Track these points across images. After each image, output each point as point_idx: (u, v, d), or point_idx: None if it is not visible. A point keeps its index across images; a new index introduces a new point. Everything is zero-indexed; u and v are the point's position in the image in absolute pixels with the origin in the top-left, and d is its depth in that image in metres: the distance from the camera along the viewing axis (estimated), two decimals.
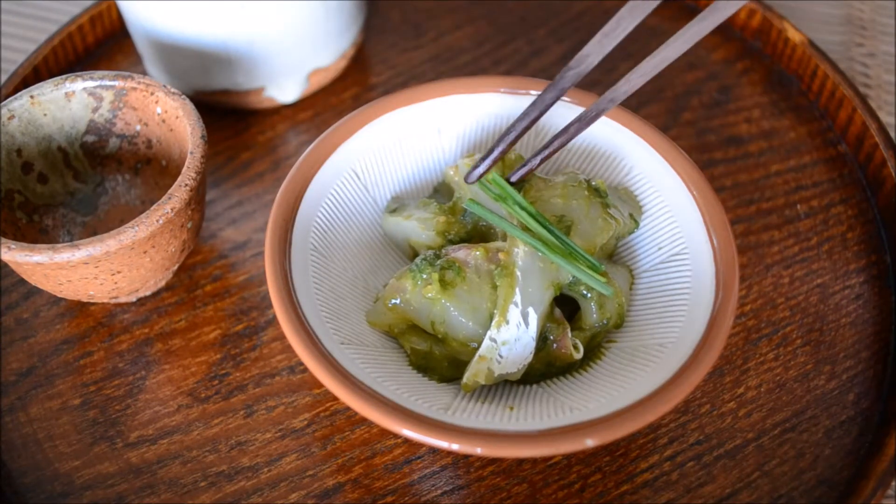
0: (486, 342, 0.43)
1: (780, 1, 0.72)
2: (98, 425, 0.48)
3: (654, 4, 0.39)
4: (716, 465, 0.46)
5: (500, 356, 0.43)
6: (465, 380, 0.43)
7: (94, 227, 0.54)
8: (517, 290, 0.43)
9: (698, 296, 0.44)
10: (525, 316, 0.43)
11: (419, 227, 0.48)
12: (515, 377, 0.44)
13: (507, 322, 0.42)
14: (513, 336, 0.43)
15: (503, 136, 0.46)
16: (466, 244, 0.45)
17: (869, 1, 0.74)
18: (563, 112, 0.51)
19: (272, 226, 0.45)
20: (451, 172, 0.49)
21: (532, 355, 0.43)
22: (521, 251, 0.43)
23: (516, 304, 0.43)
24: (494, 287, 0.43)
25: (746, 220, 0.56)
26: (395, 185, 0.52)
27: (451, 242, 0.47)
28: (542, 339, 0.44)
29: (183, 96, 0.50)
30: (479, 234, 0.48)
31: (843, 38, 0.71)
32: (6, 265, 0.54)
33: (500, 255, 0.44)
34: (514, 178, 0.47)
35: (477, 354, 0.43)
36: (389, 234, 0.50)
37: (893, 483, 0.47)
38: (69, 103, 0.51)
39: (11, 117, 0.50)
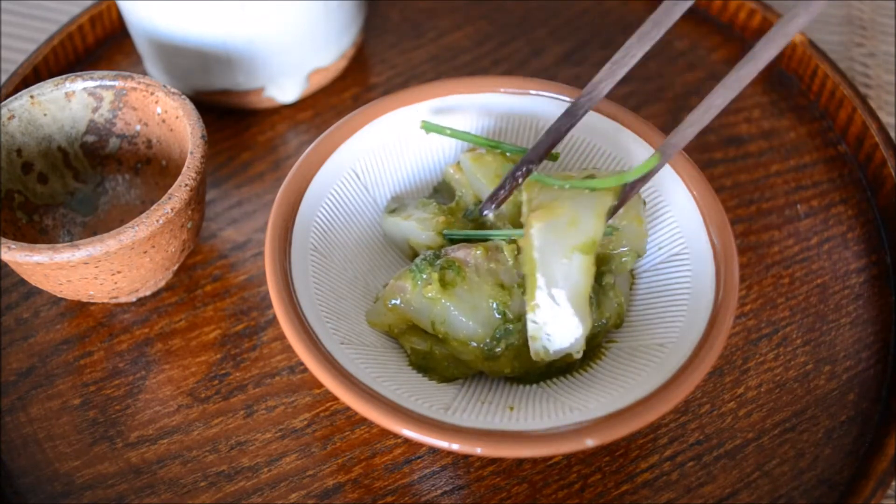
0: (529, 324, 0.42)
1: (780, 1, 0.72)
2: (98, 425, 0.48)
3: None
4: (716, 465, 0.46)
5: (548, 334, 0.42)
6: (532, 355, 0.43)
7: (94, 227, 0.53)
8: (538, 275, 0.41)
9: (698, 296, 0.44)
10: (552, 297, 0.41)
11: (418, 228, 0.48)
12: (577, 354, 0.43)
13: (539, 305, 0.42)
14: (550, 316, 0.42)
15: (509, 175, 0.45)
16: (466, 243, 0.45)
17: (869, 1, 0.74)
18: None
19: (272, 226, 0.45)
20: (452, 171, 0.49)
21: (585, 331, 0.42)
22: (535, 228, 0.41)
23: (541, 288, 0.41)
24: (495, 286, 0.43)
25: (746, 220, 0.56)
26: (395, 185, 0.52)
27: (451, 242, 0.47)
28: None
29: (183, 96, 0.50)
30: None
31: (843, 38, 0.71)
32: (6, 265, 0.54)
33: (519, 243, 0.43)
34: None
35: (529, 334, 0.42)
36: (389, 235, 0.50)
37: (893, 483, 0.47)
38: (69, 103, 0.51)
39: (11, 117, 0.50)
